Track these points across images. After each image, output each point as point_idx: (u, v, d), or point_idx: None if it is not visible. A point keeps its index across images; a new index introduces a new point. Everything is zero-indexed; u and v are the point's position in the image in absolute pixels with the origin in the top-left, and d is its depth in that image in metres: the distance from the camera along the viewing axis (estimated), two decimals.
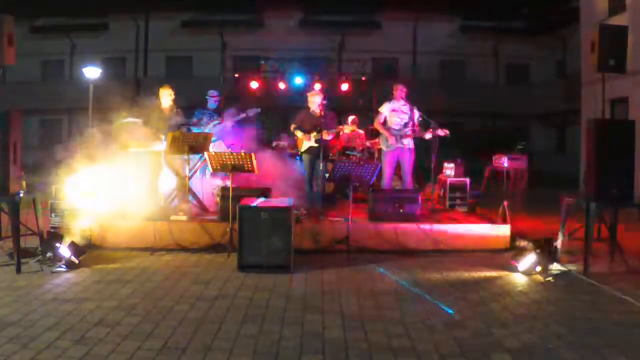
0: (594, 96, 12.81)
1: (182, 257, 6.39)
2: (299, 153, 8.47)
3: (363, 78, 16.53)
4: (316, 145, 7.92)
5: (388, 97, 8.28)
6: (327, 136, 7.89)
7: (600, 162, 5.90)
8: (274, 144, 12.19)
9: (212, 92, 9.02)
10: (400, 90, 8.12)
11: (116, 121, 7.75)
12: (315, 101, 8.06)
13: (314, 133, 7.96)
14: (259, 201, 6.17)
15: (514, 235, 7.10)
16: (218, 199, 7.29)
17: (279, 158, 9.10)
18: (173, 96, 8.21)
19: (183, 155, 7.34)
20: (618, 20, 12.94)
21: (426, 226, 7.04)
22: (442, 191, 9.05)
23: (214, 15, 23.78)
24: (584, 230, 6.01)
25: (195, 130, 8.32)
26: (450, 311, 4.55)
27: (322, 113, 7.86)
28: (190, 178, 7.74)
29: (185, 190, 7.48)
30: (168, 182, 7.87)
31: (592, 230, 6.06)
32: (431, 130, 7.89)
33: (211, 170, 7.10)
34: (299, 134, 8.14)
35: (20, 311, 4.37)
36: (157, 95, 8.29)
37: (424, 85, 19.09)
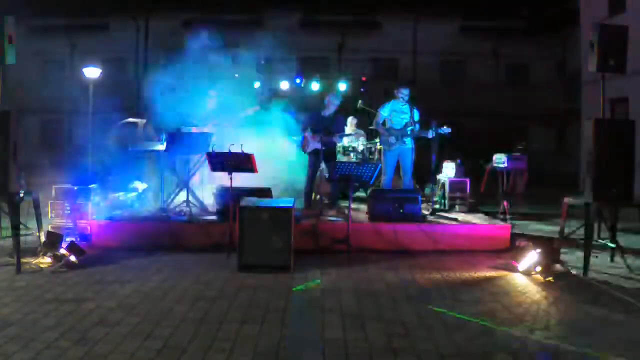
0: (594, 96, 12.79)
1: (182, 257, 6.39)
2: (305, 152, 8.39)
3: (363, 78, 16.53)
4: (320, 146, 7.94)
5: (388, 97, 8.29)
6: (337, 139, 8.02)
7: (600, 162, 5.90)
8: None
9: (212, 92, 9.01)
10: (402, 92, 8.12)
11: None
12: (335, 103, 8.08)
13: (320, 135, 7.99)
14: (259, 201, 6.16)
15: (514, 235, 7.10)
16: (218, 199, 7.29)
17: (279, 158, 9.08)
18: None
19: (183, 156, 7.34)
20: (618, 20, 12.94)
21: (426, 226, 7.04)
22: (442, 191, 9.05)
23: (214, 15, 23.76)
24: (584, 230, 6.02)
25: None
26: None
27: (334, 116, 8.00)
28: (190, 178, 7.74)
29: (186, 190, 7.48)
30: (168, 182, 7.86)
31: (592, 230, 6.06)
32: (433, 128, 7.90)
33: (211, 170, 7.10)
34: (308, 135, 8.16)
35: (20, 311, 4.37)
36: None
37: (424, 85, 19.04)
